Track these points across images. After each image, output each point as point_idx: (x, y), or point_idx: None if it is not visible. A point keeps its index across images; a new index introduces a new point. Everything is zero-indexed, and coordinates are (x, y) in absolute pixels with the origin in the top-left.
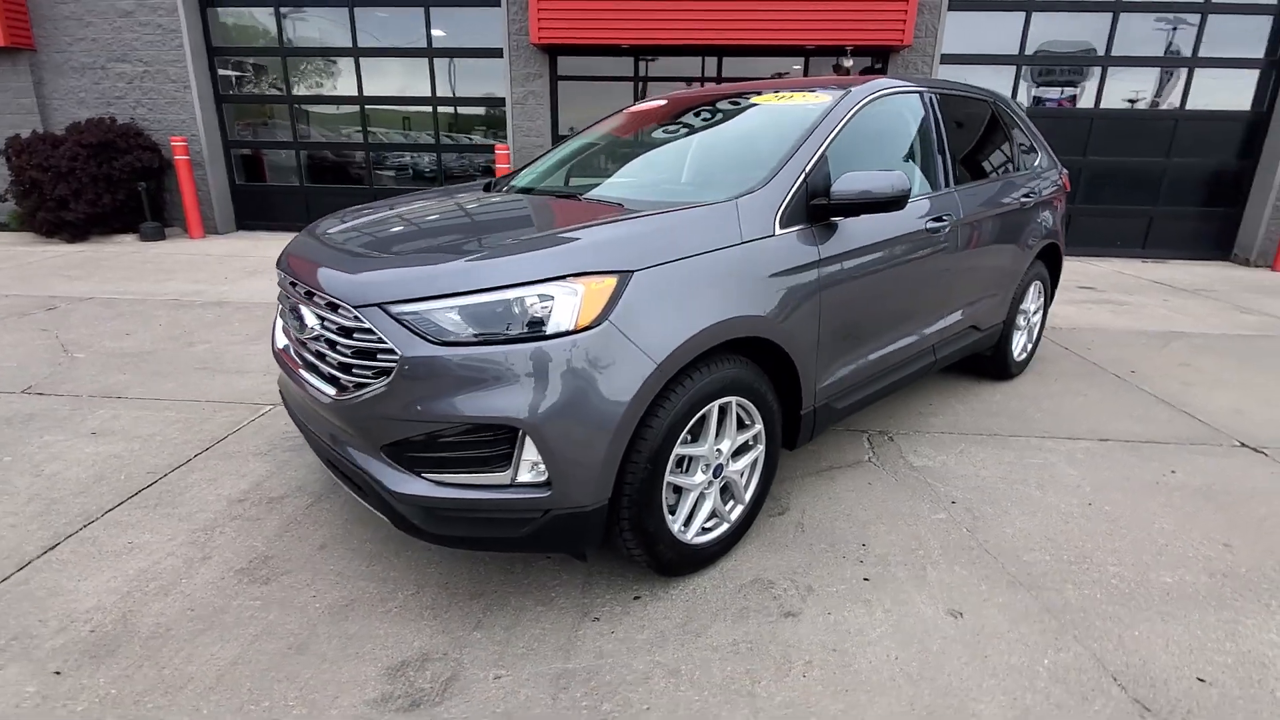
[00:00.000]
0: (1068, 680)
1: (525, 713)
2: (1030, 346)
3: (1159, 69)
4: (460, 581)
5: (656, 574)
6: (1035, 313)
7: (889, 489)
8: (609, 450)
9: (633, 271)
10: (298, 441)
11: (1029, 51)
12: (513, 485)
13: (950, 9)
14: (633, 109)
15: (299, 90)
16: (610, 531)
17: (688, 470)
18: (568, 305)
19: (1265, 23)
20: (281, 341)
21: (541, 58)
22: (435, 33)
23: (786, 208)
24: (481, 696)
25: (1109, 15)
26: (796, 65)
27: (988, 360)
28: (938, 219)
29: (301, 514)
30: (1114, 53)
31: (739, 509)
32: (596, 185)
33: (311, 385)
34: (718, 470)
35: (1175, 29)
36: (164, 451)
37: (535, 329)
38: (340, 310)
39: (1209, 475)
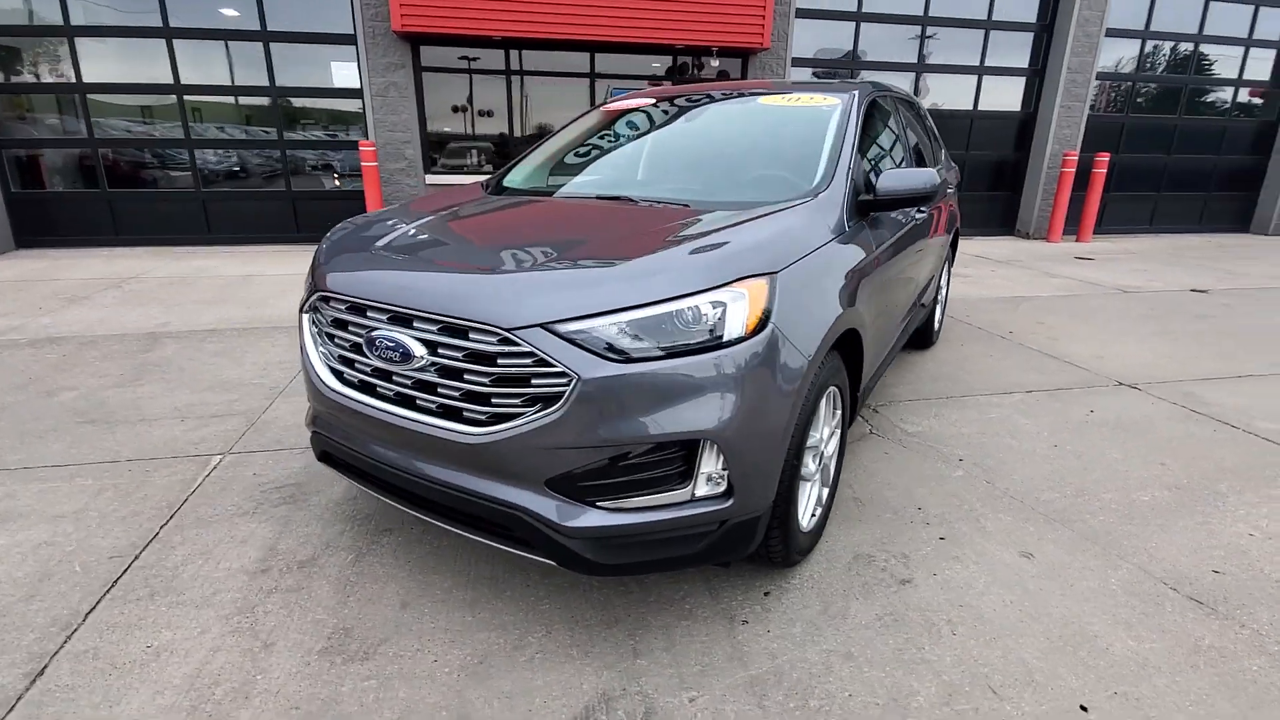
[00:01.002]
0: (1138, 592)
1: None
2: (942, 317)
3: (958, 75)
4: (585, 612)
5: (779, 567)
6: (945, 287)
7: (904, 456)
8: (782, 451)
9: (777, 273)
10: (288, 491)
11: (859, 57)
12: (692, 500)
13: (797, 16)
14: (616, 106)
15: (92, 77)
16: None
17: (804, 461)
18: (738, 310)
19: (1028, 38)
20: (326, 378)
21: (403, 47)
22: (270, 14)
23: (846, 204)
24: None
25: (918, 28)
26: (656, 64)
27: (918, 332)
28: (922, 209)
29: (353, 573)
30: (927, 60)
31: (826, 491)
32: (628, 185)
33: (422, 425)
34: (819, 457)
35: (969, 42)
36: (111, 529)
37: (712, 337)
38: (474, 334)
39: (1114, 410)
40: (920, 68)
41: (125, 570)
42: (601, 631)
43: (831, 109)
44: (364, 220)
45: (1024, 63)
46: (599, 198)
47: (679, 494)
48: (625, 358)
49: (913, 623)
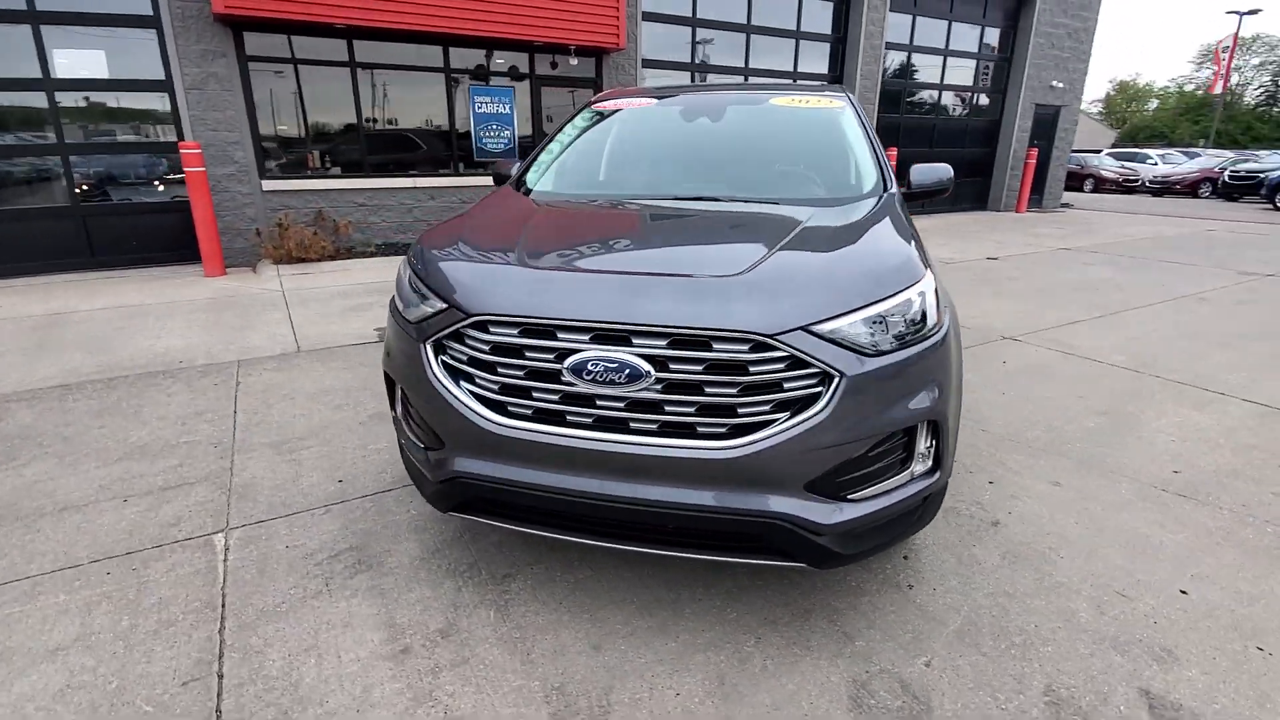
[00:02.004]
0: (1146, 497)
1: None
2: None
3: (778, 78)
4: (772, 611)
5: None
6: None
7: None
8: (959, 422)
9: (929, 265)
10: (350, 558)
11: (698, 60)
12: (911, 480)
13: (644, 19)
14: (612, 105)
15: None
16: None
17: None
18: (931, 298)
19: (826, 49)
20: (485, 413)
21: (222, 32)
22: None
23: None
24: (971, 674)
25: (743, 35)
26: (507, 61)
27: None
28: None
29: (511, 628)
30: (751, 65)
31: None
32: (695, 185)
33: (650, 447)
34: None
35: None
36: (152, 649)
37: (924, 325)
38: (719, 344)
39: (1018, 359)
40: (748, 71)
41: (221, 695)
42: (802, 625)
43: (841, 109)
44: (459, 234)
45: (825, 69)
46: (693, 199)
47: (904, 476)
48: (875, 351)
49: (1028, 556)
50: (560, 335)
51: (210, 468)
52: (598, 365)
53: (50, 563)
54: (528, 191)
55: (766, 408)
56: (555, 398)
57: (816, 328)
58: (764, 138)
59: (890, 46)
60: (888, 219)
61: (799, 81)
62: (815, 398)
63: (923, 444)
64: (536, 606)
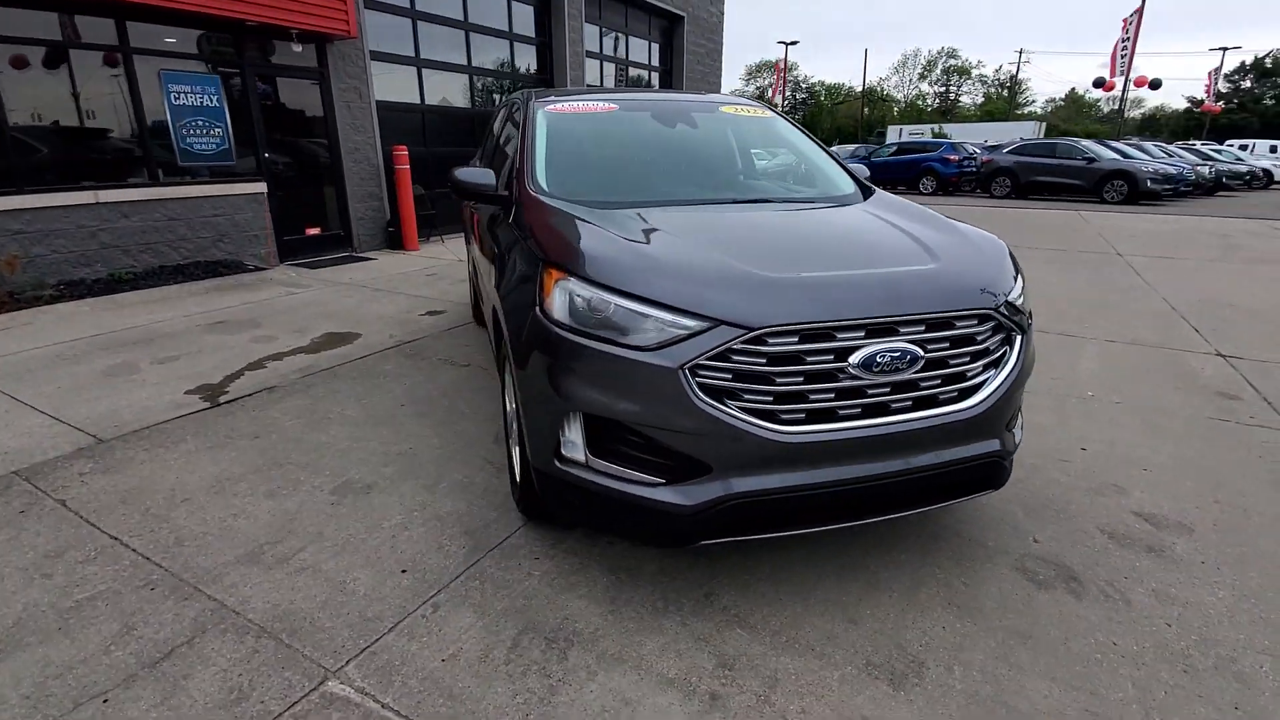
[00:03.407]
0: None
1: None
2: None
3: (497, 78)
4: (962, 576)
5: None
6: None
7: None
8: None
9: None
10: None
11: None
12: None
13: (367, 8)
14: (566, 107)
15: None
16: None
17: None
18: None
19: (533, 50)
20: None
21: None
22: None
23: None
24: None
25: (463, 32)
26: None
27: None
28: None
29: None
30: (474, 64)
31: None
32: (718, 188)
33: (912, 422)
34: None
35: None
36: None
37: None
38: (960, 322)
39: None
40: (472, 70)
41: None
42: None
43: (775, 119)
44: (616, 249)
45: (537, 71)
46: (752, 200)
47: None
48: (1027, 310)
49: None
50: (839, 336)
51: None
52: (885, 356)
53: None
54: (559, 201)
55: (981, 368)
56: (830, 396)
57: (1008, 298)
58: (749, 144)
59: (589, 55)
60: (928, 210)
61: (666, 89)
62: (1008, 354)
63: None
64: (767, 608)
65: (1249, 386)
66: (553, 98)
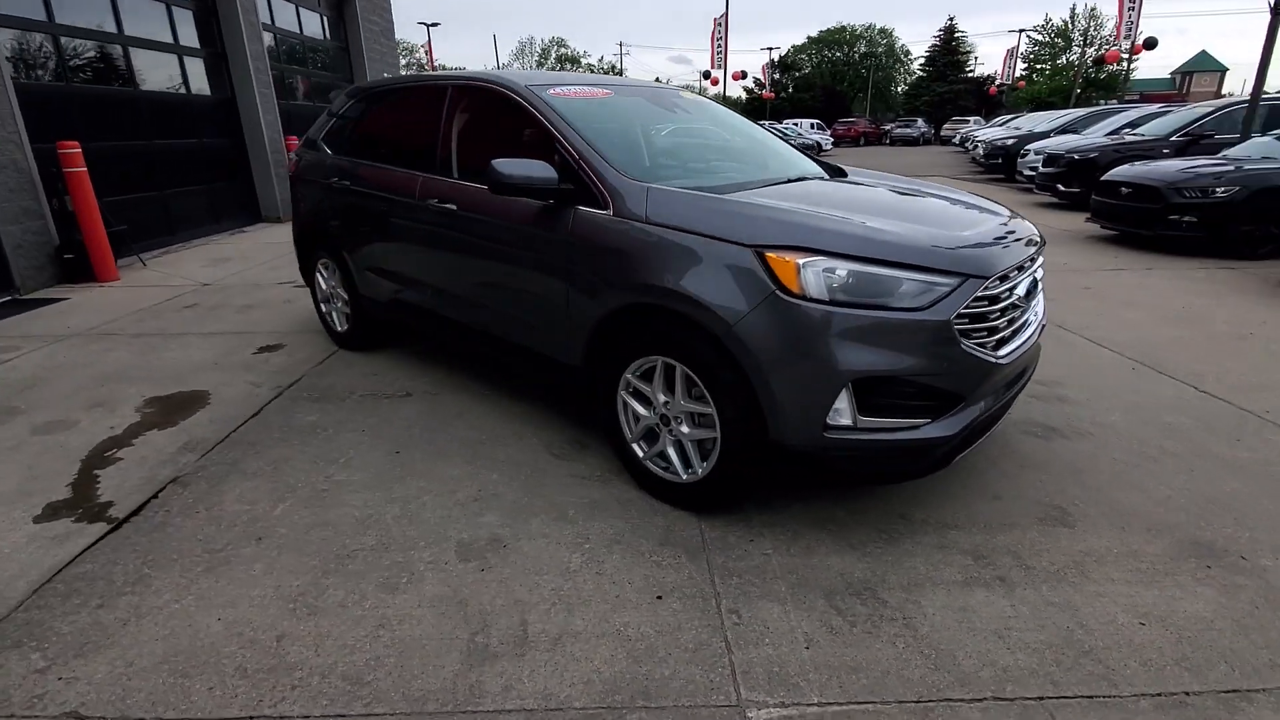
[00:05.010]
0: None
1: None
2: None
3: (164, 52)
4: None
5: None
6: None
7: None
8: None
9: None
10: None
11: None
12: None
13: None
14: (572, 90)
15: None
16: None
17: None
18: None
19: (190, 15)
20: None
21: None
22: None
23: None
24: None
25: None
26: None
27: None
28: None
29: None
30: (127, 32)
31: None
32: (741, 171)
33: (1033, 341)
34: None
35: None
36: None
37: None
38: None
39: None
40: (125, 40)
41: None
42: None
43: (710, 102)
44: (819, 225)
45: (198, 43)
46: (788, 180)
47: None
48: None
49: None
50: (1012, 276)
51: None
52: (1030, 289)
53: None
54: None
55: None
56: (1008, 322)
57: None
58: (738, 126)
59: (265, 27)
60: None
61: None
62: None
63: None
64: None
65: None
66: (549, 82)
